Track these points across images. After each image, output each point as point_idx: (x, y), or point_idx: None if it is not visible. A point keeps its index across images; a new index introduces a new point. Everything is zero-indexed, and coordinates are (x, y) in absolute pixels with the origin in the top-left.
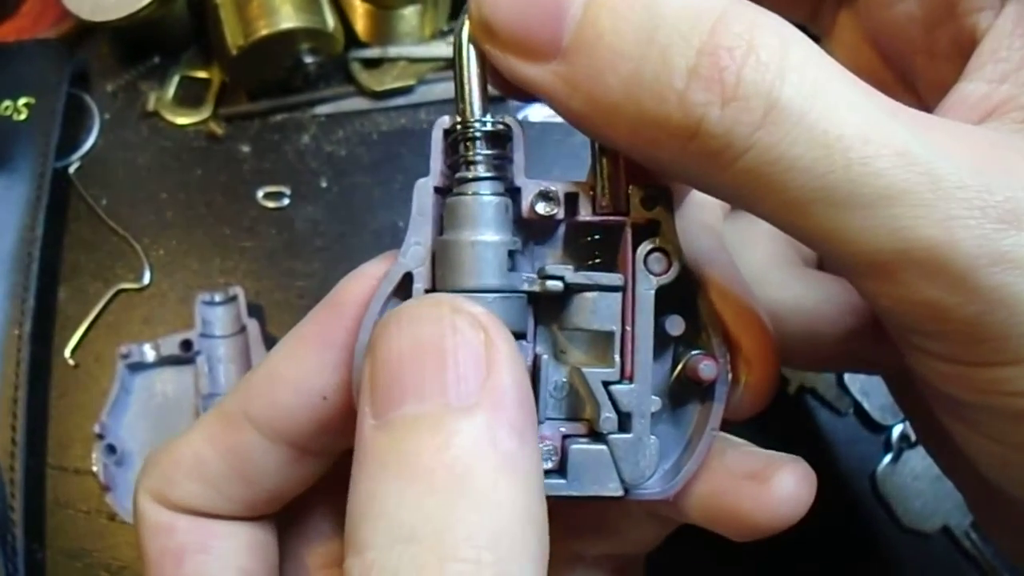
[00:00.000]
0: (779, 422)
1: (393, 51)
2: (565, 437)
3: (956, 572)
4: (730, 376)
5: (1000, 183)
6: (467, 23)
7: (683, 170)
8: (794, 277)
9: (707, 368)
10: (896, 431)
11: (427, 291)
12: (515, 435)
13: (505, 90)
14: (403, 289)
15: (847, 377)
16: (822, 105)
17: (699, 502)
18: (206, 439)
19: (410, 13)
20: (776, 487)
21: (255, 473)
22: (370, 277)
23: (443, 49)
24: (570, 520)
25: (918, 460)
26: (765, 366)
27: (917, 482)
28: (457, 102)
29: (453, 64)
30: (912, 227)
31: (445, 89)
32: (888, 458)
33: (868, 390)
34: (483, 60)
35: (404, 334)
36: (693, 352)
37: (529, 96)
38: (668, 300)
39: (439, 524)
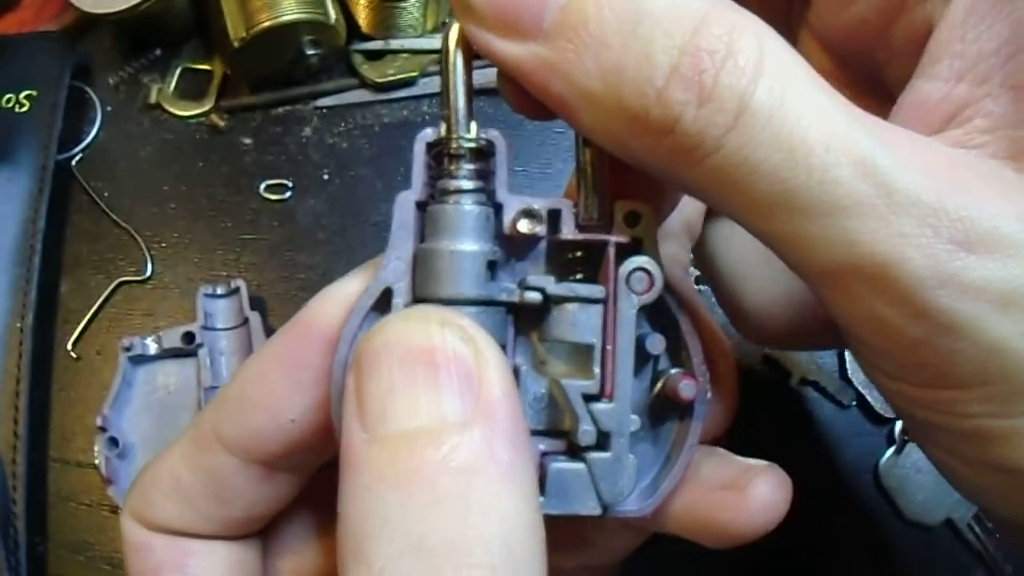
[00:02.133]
0: (781, 415)
1: (395, 43)
2: (544, 455)
3: (959, 564)
4: (709, 395)
5: (955, 203)
6: (453, 31)
7: (655, 163)
8: (782, 271)
9: (687, 388)
10: (899, 424)
11: (406, 306)
12: (511, 446)
13: (520, 105)
14: (383, 304)
15: (850, 369)
16: (790, 110)
17: (676, 514)
18: (182, 458)
19: (412, 5)
20: (752, 496)
21: (229, 492)
22: (338, 300)
23: None
24: (548, 535)
25: (921, 453)
26: (732, 388)
27: (920, 475)
28: (442, 113)
29: (440, 75)
30: (864, 241)
31: None
32: (891, 451)
33: (871, 382)
34: (470, 71)
35: (392, 348)
36: (672, 371)
37: (547, 115)
38: (648, 318)
39: (450, 532)
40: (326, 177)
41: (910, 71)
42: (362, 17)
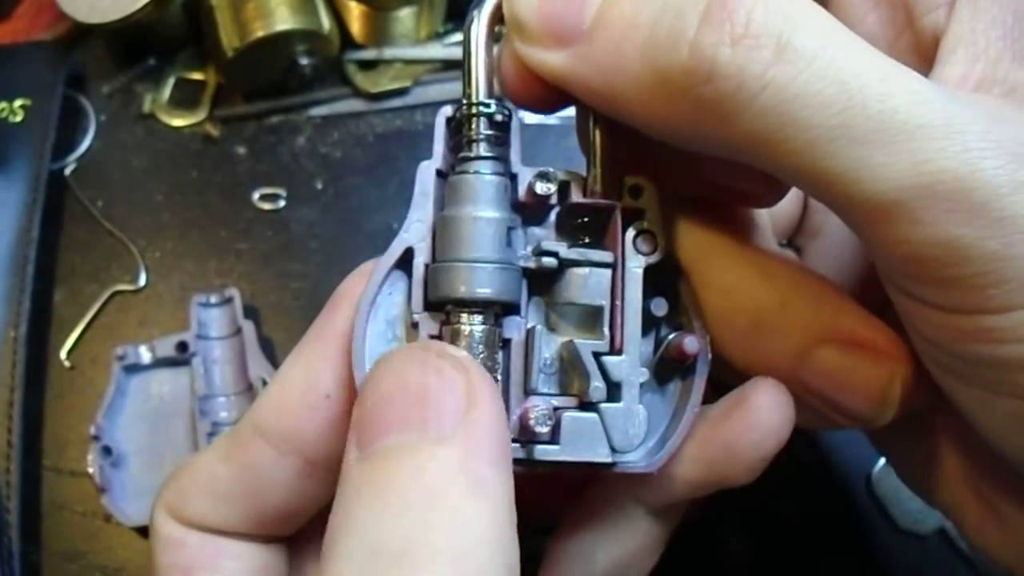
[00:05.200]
0: None
1: (389, 53)
2: (556, 408)
3: (952, 573)
4: (709, 356)
5: (1008, 124)
6: (477, 17)
7: (698, 128)
8: None
9: (691, 343)
10: None
11: (427, 265)
12: (488, 465)
13: (524, 99)
14: (404, 262)
15: None
16: (834, 48)
17: (692, 458)
18: (220, 455)
19: (406, 15)
20: (756, 403)
21: (265, 488)
22: (369, 274)
23: (439, 51)
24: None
25: None
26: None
27: None
28: (464, 86)
29: (463, 50)
30: (933, 159)
31: (440, 91)
32: (884, 460)
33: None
34: (490, 49)
35: (391, 375)
36: (673, 334)
37: (549, 105)
38: (653, 284)
39: (408, 540)
40: (320, 186)
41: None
42: (355, 27)
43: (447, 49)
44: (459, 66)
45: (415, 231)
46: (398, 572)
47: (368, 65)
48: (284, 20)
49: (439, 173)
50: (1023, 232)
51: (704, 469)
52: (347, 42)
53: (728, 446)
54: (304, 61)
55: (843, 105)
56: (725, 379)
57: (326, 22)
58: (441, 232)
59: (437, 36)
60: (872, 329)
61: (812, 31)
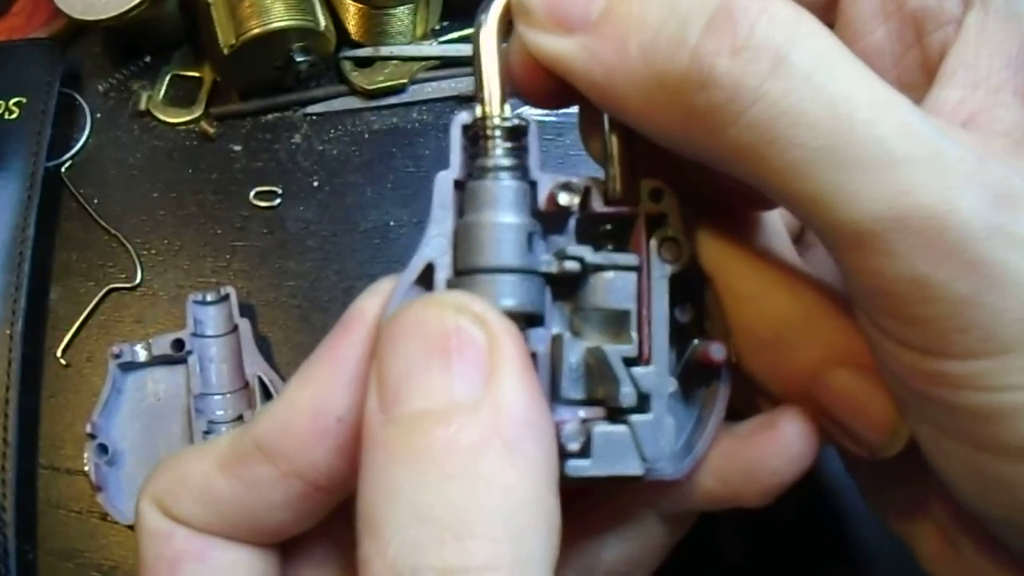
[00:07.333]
0: None
1: (385, 50)
2: (584, 421)
3: None
4: (734, 360)
5: (995, 166)
6: (485, 20)
7: (690, 134)
8: None
9: (717, 350)
10: None
11: (448, 279)
12: (520, 426)
13: (531, 93)
14: (426, 279)
15: None
16: (830, 71)
17: (712, 470)
18: (218, 463)
19: (402, 12)
20: (784, 429)
21: (261, 506)
22: (383, 292)
23: (435, 48)
24: (579, 523)
25: None
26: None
27: None
28: (477, 97)
29: (472, 61)
30: (912, 193)
31: (437, 88)
32: None
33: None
34: (501, 57)
35: (410, 333)
36: (697, 340)
37: (556, 102)
38: (677, 289)
39: (456, 505)
40: (316, 184)
41: (922, 99)
42: (352, 24)
43: (443, 47)
44: (455, 64)
45: (435, 245)
46: (450, 536)
47: (364, 62)
48: (280, 17)
49: (457, 184)
50: (991, 279)
51: (723, 484)
52: (343, 39)
53: (749, 466)
54: (300, 58)
55: (829, 128)
56: (736, 393)
57: (322, 19)
58: (461, 239)
59: (433, 34)
60: None
61: (811, 49)
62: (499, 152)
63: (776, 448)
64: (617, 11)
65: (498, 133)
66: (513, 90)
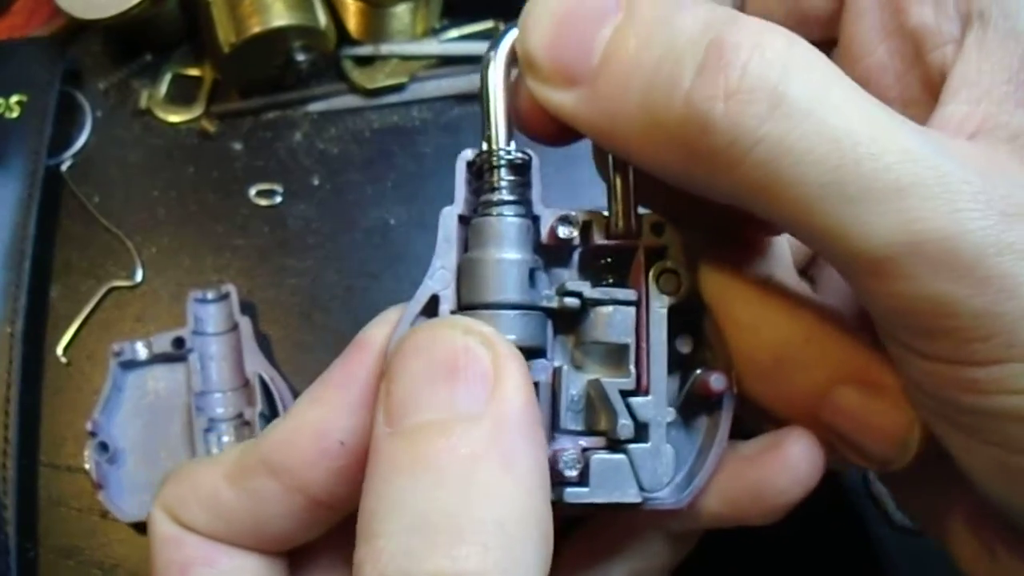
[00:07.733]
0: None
1: (385, 49)
2: (584, 450)
3: (948, 570)
4: (735, 390)
5: (1000, 181)
6: (493, 58)
7: (694, 176)
8: None
9: (717, 381)
10: None
11: (452, 311)
12: (518, 439)
13: (537, 132)
14: (430, 310)
15: None
16: (829, 103)
17: (718, 493)
18: (226, 475)
19: (402, 11)
20: (790, 449)
21: (267, 518)
22: (391, 321)
23: (435, 47)
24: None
25: None
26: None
27: None
28: (483, 132)
29: (479, 97)
30: (923, 219)
31: (437, 86)
32: None
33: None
34: (507, 93)
35: (419, 353)
36: (699, 370)
37: (560, 140)
38: (677, 320)
39: (450, 512)
40: (316, 182)
41: (925, 115)
42: (352, 22)
43: (443, 45)
44: (456, 62)
45: (439, 278)
46: (442, 541)
47: (365, 61)
48: (281, 16)
49: (461, 219)
50: (1007, 291)
51: (728, 504)
52: (343, 38)
53: (755, 486)
54: (300, 57)
55: (835, 163)
56: (743, 416)
57: (322, 18)
58: (465, 274)
59: (434, 32)
60: (894, 372)
61: (808, 84)
62: (504, 187)
63: (782, 468)
64: (615, 55)
65: (503, 168)
66: (519, 128)
